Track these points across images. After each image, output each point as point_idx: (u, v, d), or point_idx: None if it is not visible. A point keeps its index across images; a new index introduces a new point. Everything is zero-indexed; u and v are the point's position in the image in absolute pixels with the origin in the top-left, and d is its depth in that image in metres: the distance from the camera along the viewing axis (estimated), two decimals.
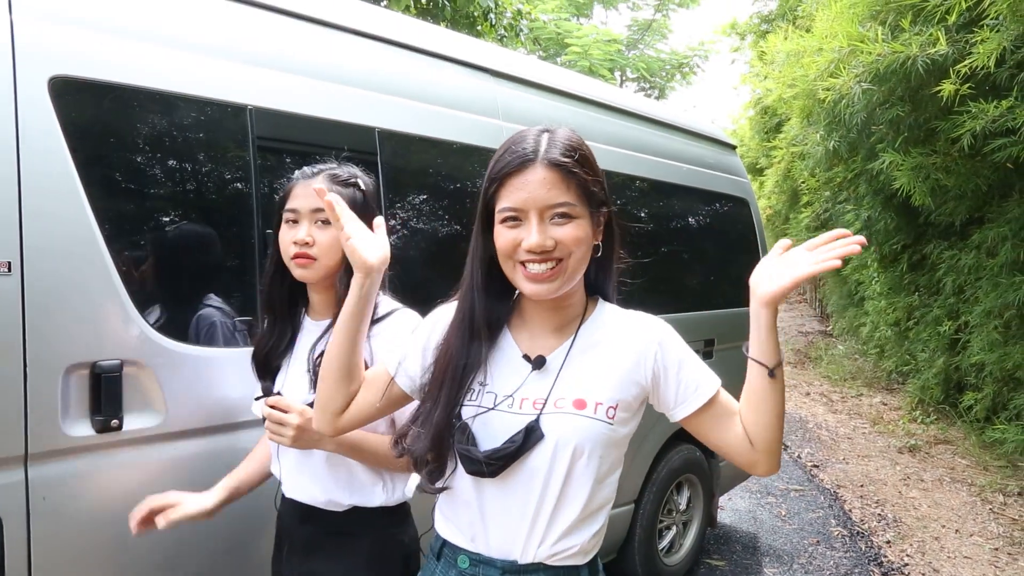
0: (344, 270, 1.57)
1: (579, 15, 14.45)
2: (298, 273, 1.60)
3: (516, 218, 1.21)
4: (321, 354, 1.48)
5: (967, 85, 3.96)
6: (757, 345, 1.24)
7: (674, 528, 3.71)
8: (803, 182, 9.54)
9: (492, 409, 1.25)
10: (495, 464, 1.20)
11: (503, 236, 1.22)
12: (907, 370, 8.37)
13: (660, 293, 3.44)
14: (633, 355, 1.28)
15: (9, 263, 1.49)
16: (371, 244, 1.34)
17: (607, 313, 1.35)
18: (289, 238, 1.58)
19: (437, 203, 2.53)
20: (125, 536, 1.64)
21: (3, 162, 1.50)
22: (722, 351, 3.70)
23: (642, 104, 3.76)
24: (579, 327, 1.31)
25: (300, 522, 1.65)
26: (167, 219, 1.84)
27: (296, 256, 1.57)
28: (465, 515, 1.29)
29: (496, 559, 1.26)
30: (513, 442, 1.20)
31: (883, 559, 4.25)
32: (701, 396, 1.28)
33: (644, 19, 14.16)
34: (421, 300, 2.37)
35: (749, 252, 4.16)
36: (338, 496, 1.60)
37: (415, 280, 2.35)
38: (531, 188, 1.19)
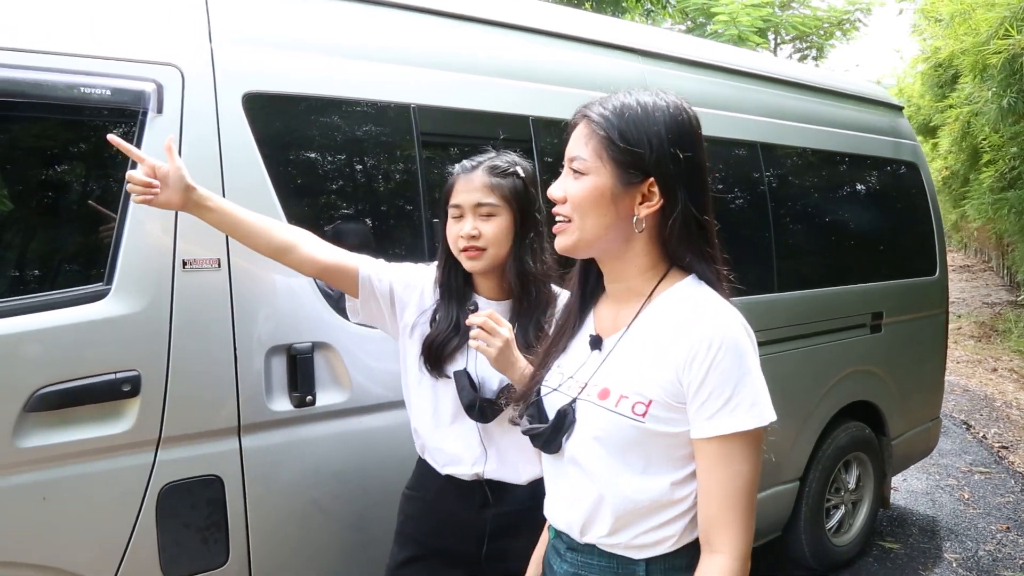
0: (513, 258, 1.65)
1: None
2: (468, 265, 1.66)
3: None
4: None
5: None
6: None
7: (842, 508, 3.57)
8: (984, 139, 8.62)
9: (555, 390, 1.23)
10: (536, 442, 1.21)
11: None
12: None
13: (821, 265, 3.30)
14: (684, 350, 1.09)
15: (219, 260, 1.71)
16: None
17: (683, 293, 1.16)
18: (455, 232, 1.65)
19: None
20: (322, 499, 1.85)
21: (209, 171, 1.71)
22: (891, 324, 3.50)
23: (793, 70, 3.60)
24: (643, 307, 1.17)
25: (499, 502, 1.70)
26: (346, 213, 2.02)
27: (465, 249, 1.64)
28: (548, 487, 1.29)
29: (563, 533, 1.24)
30: (547, 423, 1.20)
31: None
32: (707, 428, 1.08)
33: None
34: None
35: (921, 219, 3.88)
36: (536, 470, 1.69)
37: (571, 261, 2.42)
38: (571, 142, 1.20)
